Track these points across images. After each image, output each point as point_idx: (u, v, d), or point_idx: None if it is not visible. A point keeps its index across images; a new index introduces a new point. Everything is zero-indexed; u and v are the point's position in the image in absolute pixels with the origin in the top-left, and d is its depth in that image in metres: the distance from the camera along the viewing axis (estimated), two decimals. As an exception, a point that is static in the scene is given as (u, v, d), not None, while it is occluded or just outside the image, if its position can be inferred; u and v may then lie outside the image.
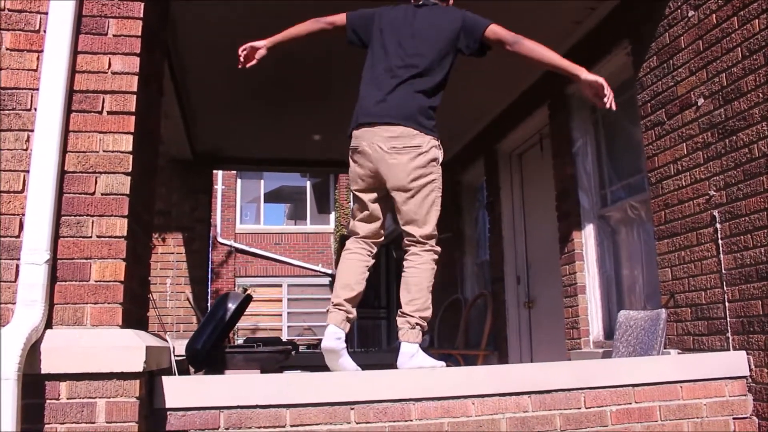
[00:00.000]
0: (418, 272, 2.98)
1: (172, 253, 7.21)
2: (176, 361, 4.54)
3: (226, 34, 4.78)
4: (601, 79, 3.02)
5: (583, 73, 3.03)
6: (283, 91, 5.95)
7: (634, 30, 4.23)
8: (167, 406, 2.39)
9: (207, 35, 4.80)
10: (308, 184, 17.34)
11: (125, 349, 2.20)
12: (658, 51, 3.96)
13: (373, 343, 13.31)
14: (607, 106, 3.02)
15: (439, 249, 3.08)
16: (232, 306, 4.29)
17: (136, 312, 2.67)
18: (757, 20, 3.18)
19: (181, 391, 2.43)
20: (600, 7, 4.60)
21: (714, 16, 3.48)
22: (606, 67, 4.67)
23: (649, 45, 4.04)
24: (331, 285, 16.40)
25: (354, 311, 3.03)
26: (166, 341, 2.79)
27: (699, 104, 3.58)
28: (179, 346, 4.43)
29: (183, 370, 4.38)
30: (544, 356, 5.60)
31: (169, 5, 3.64)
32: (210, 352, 4.15)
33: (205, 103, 6.13)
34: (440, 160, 3.08)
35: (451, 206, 7.49)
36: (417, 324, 2.93)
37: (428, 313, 2.98)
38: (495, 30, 3.11)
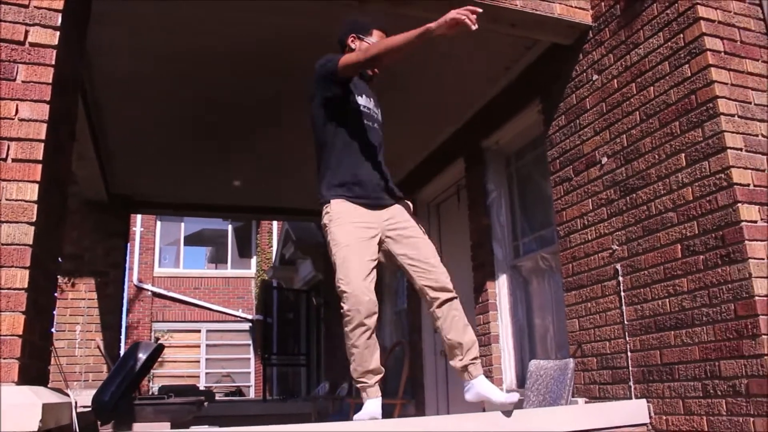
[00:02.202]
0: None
1: (83, 299, 6.93)
2: (82, 413, 4.35)
3: (144, 76, 4.76)
4: (449, 15, 2.70)
5: (433, 25, 2.74)
6: (203, 136, 5.92)
7: (545, 89, 4.44)
8: (65, 465, 2.29)
9: (124, 76, 4.74)
10: (230, 227, 17.09)
11: (19, 408, 2.10)
12: (567, 110, 4.16)
13: (294, 391, 13.10)
14: (473, 26, 2.69)
15: (342, 306, 2.93)
16: (142, 356, 4.16)
17: (35, 366, 2.56)
18: (652, 87, 3.41)
19: (80, 449, 2.34)
20: (515, 66, 4.81)
21: (615, 81, 3.71)
22: (519, 123, 4.88)
23: (558, 104, 4.24)
24: (251, 330, 16.12)
25: None
26: (68, 396, 2.68)
27: (603, 163, 3.77)
28: (87, 397, 4.25)
29: (88, 424, 4.20)
30: (460, 405, 5.64)
31: (86, 47, 3.60)
32: (118, 404, 3.99)
33: (121, 144, 6.01)
34: (330, 219, 3.05)
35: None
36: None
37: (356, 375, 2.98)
38: (344, 64, 3.01)
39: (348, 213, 3.03)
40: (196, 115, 5.46)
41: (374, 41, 3.17)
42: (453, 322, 3.03)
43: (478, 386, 3.02)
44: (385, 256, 3.13)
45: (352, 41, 3.23)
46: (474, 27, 2.68)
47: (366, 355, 2.91)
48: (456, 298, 3.07)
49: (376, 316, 2.90)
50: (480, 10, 2.72)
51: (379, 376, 2.99)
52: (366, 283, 2.89)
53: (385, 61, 3.02)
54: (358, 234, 2.99)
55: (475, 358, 3.05)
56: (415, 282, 3.09)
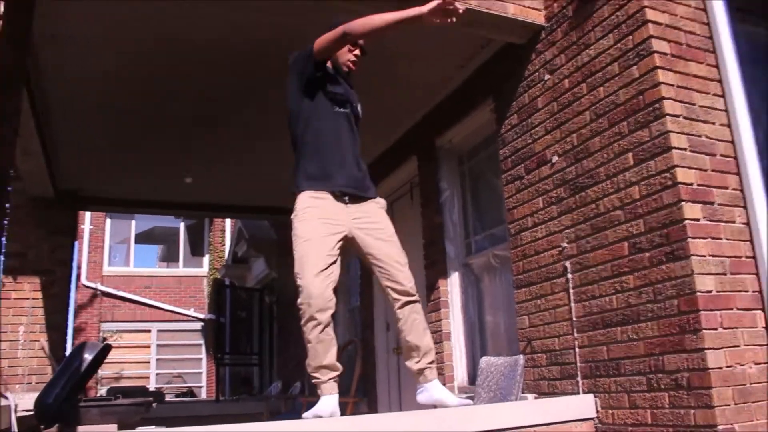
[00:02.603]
0: None
1: (28, 299, 6.72)
2: (24, 416, 4.23)
3: (93, 70, 4.65)
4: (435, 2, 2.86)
5: (424, 9, 2.89)
6: (155, 132, 5.82)
7: (498, 88, 4.48)
8: (3, 468, 2.22)
9: (72, 70, 4.62)
10: (182, 225, 16.82)
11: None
12: (519, 110, 4.21)
13: (245, 391, 12.97)
14: (460, 9, 2.89)
15: (299, 301, 2.95)
16: (88, 356, 4.06)
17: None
18: (602, 87, 3.47)
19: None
20: (469, 65, 4.85)
21: (567, 80, 3.76)
22: (472, 122, 4.92)
23: (511, 103, 4.29)
24: (203, 330, 15.91)
25: None
26: (6, 398, 2.60)
27: (553, 162, 3.83)
28: (30, 401, 4.13)
29: (30, 427, 4.08)
30: (412, 403, 5.64)
31: (31, 38, 3.50)
32: (62, 407, 3.89)
33: (69, 139, 5.85)
34: (296, 213, 3.07)
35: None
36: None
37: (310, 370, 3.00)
38: (319, 43, 3.08)
39: (314, 208, 3.05)
40: (147, 109, 5.36)
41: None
42: (413, 325, 3.09)
43: (432, 390, 3.12)
44: (353, 250, 3.16)
45: None
46: (461, 9, 2.86)
47: (319, 349, 2.92)
48: (418, 301, 3.12)
49: (329, 312, 2.91)
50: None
51: (334, 373, 3.00)
52: (320, 279, 2.90)
53: (365, 38, 3.08)
54: (321, 230, 3.00)
55: (431, 362, 3.14)
56: (379, 281, 3.13)
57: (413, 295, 3.09)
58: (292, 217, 3.08)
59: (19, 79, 3.17)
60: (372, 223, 3.13)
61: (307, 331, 2.91)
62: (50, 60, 4.44)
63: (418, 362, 3.12)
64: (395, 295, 3.09)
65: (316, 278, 2.89)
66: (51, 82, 4.76)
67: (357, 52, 3.28)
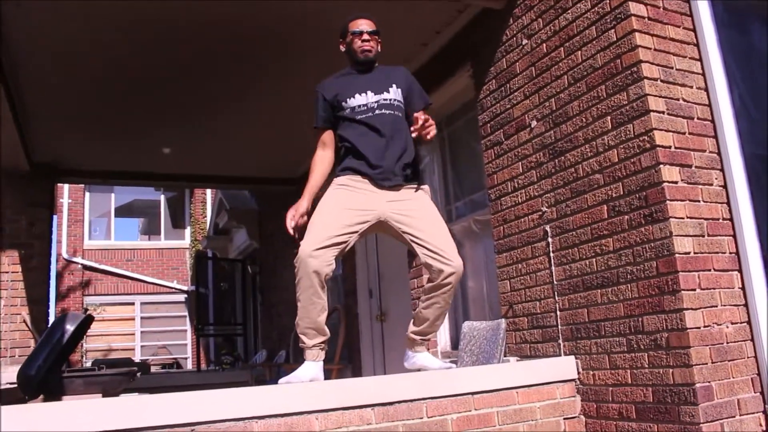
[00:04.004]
0: None
1: (7, 272, 6.68)
2: (7, 389, 4.22)
3: (65, 35, 4.55)
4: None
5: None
6: (132, 100, 5.73)
7: (475, 54, 4.46)
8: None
9: (43, 34, 4.52)
10: (162, 198, 16.71)
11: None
12: (497, 75, 4.19)
13: (227, 360, 13.03)
14: (428, 137, 3.13)
15: (294, 260, 3.06)
16: (70, 327, 4.06)
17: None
18: (580, 51, 3.46)
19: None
20: (446, 30, 4.81)
21: (545, 45, 3.75)
22: (451, 88, 4.89)
23: (489, 69, 4.27)
24: (187, 302, 15.90)
25: None
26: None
27: (532, 126, 3.83)
28: (12, 374, 4.13)
29: (16, 399, 4.08)
30: (396, 368, 5.70)
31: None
32: (46, 378, 3.90)
33: (42, 109, 5.74)
34: (331, 186, 3.27)
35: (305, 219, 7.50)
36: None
37: (299, 330, 3.13)
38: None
39: (346, 188, 3.19)
40: (123, 77, 5.26)
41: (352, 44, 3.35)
42: (433, 306, 3.20)
43: (420, 358, 3.31)
44: (391, 232, 3.25)
45: (341, 45, 3.43)
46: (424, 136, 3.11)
47: (309, 310, 3.04)
48: (449, 285, 3.14)
49: (319, 278, 2.99)
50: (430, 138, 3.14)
51: (318, 339, 3.10)
52: (317, 251, 2.99)
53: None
54: (339, 212, 3.11)
55: (427, 340, 3.35)
56: (420, 259, 3.22)
57: (448, 276, 3.11)
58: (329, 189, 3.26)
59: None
60: (411, 209, 3.21)
61: (299, 291, 3.02)
62: (15, 25, 4.32)
63: (416, 334, 3.30)
64: (431, 274, 3.17)
65: (312, 247, 2.99)
66: (21, 49, 4.65)
67: (365, 36, 3.32)
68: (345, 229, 3.09)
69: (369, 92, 3.29)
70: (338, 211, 3.12)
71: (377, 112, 3.25)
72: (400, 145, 3.25)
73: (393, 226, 3.19)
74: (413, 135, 3.11)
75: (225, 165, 8.00)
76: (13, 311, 6.58)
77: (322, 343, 3.11)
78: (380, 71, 3.40)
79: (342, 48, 3.42)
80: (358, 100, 3.27)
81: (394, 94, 3.31)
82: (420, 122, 3.05)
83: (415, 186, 3.29)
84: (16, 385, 3.90)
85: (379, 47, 3.39)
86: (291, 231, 3.20)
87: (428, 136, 3.12)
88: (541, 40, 3.77)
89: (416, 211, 3.22)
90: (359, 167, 3.20)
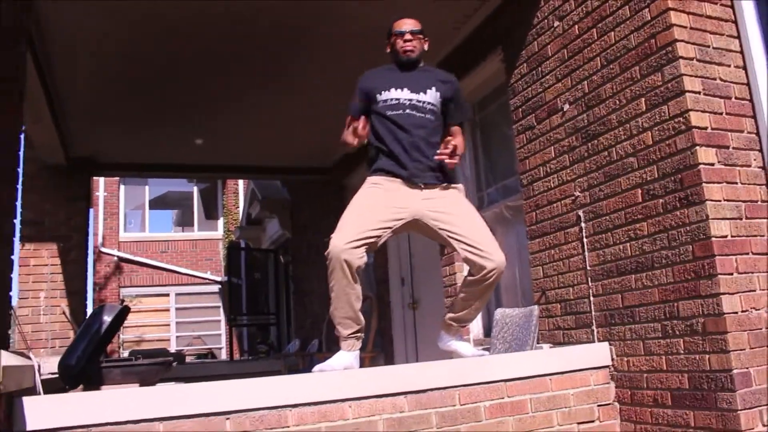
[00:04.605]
0: None
1: (46, 265, 6.82)
2: (49, 379, 4.32)
3: (99, 30, 4.61)
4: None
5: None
6: (165, 94, 5.79)
7: (507, 38, 4.40)
8: (28, 428, 2.26)
9: (78, 31, 4.58)
10: (195, 189, 16.89)
11: (-24, 369, 2.06)
12: (528, 58, 4.14)
13: (262, 350, 13.16)
14: (450, 167, 3.20)
15: (326, 252, 3.05)
16: (107, 318, 4.12)
17: (-7, 329, 2.51)
18: (613, 32, 3.40)
19: (43, 411, 2.31)
20: (475, 15, 4.76)
21: (576, 26, 3.69)
22: (482, 73, 4.86)
23: (520, 52, 4.22)
24: (220, 292, 16.08)
25: None
26: (30, 359, 2.64)
27: (565, 110, 3.77)
28: (53, 364, 4.21)
29: (57, 389, 4.17)
30: (429, 356, 5.71)
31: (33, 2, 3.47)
32: (85, 368, 3.96)
33: (79, 106, 5.86)
34: (364, 186, 3.27)
35: (337, 208, 7.52)
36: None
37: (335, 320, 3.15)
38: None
39: (379, 186, 3.19)
40: (156, 71, 5.32)
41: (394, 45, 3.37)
42: (471, 295, 3.23)
43: (455, 344, 3.38)
44: (428, 231, 3.25)
45: (387, 47, 3.43)
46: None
47: (342, 301, 3.05)
48: (490, 279, 3.14)
49: (350, 269, 2.98)
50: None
51: (354, 328, 3.13)
52: (348, 244, 2.97)
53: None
54: (374, 209, 3.11)
55: (463, 326, 3.47)
56: (460, 254, 3.22)
57: (490, 272, 3.11)
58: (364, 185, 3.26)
59: (19, 39, 3.14)
60: (447, 205, 3.21)
61: (331, 281, 3.02)
62: (51, 23, 4.38)
63: (452, 320, 3.35)
64: (472, 269, 3.17)
65: (344, 239, 2.98)
66: (56, 47, 4.72)
67: (407, 36, 3.33)
68: (378, 224, 3.08)
69: (406, 89, 3.27)
70: (372, 206, 3.12)
71: (408, 111, 3.23)
72: (432, 147, 3.23)
73: (429, 224, 3.18)
74: (435, 158, 3.13)
75: (257, 155, 8.05)
76: (53, 303, 6.72)
77: (357, 332, 3.12)
78: (425, 71, 3.41)
79: (388, 49, 3.42)
80: (393, 93, 3.26)
81: (432, 97, 3.29)
82: (448, 149, 3.08)
83: (449, 185, 3.28)
84: (57, 375, 3.98)
85: (425, 46, 3.40)
86: (353, 136, 3.20)
87: (450, 166, 3.16)
88: (573, 22, 3.71)
89: (452, 207, 3.21)
90: (391, 168, 3.19)
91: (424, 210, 3.16)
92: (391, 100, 3.26)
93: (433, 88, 3.30)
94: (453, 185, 3.30)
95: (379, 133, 3.27)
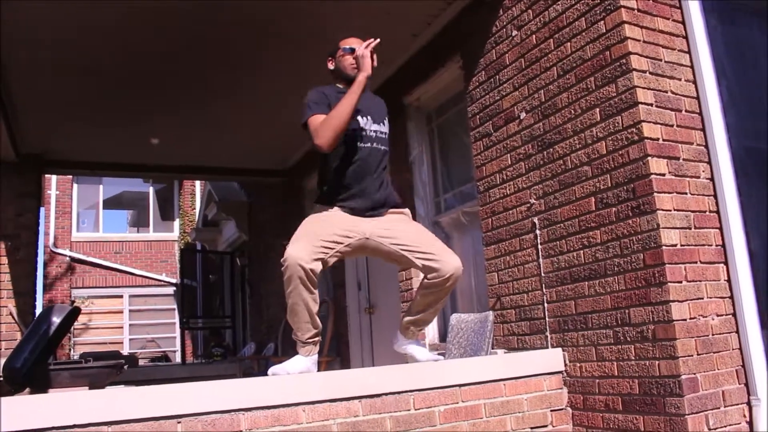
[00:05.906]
0: None
1: (-7, 264, 6.63)
2: (-7, 382, 4.18)
3: (51, 24, 4.50)
4: (359, 51, 3.11)
5: (364, 72, 3.08)
6: (121, 91, 5.68)
7: (466, 45, 4.44)
8: (-34, 432, 2.20)
9: (29, 24, 4.46)
10: (151, 189, 16.61)
11: None
12: (487, 66, 4.18)
13: (215, 353, 13.02)
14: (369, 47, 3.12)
15: (281, 260, 3.01)
16: (56, 319, 4.02)
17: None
18: (569, 43, 3.46)
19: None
20: (436, 21, 4.79)
21: (534, 36, 3.74)
22: (440, 80, 4.90)
23: (479, 60, 4.26)
24: (176, 294, 15.84)
25: None
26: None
27: (521, 118, 3.82)
28: (-2, 366, 4.09)
29: (1, 392, 4.05)
30: (385, 361, 5.71)
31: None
32: (32, 370, 3.86)
33: (29, 100, 5.69)
34: (320, 209, 3.23)
35: (294, 211, 7.49)
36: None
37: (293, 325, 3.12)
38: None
39: (331, 214, 3.17)
40: (112, 67, 5.22)
41: (342, 62, 3.28)
42: (428, 299, 3.22)
43: (410, 347, 3.37)
44: (382, 250, 3.21)
45: (330, 63, 3.38)
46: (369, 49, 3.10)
47: (300, 306, 2.99)
48: (449, 285, 3.16)
49: (308, 276, 2.93)
50: (378, 41, 3.10)
51: (310, 333, 3.08)
52: (305, 252, 2.93)
53: (337, 136, 3.06)
54: (327, 225, 3.09)
55: (419, 329, 3.43)
56: (414, 265, 3.22)
57: (447, 277, 3.11)
58: (314, 211, 3.24)
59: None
60: (395, 223, 3.23)
61: (290, 288, 2.95)
62: (3, 16, 4.26)
63: (410, 323, 3.34)
64: (429, 276, 3.14)
65: (301, 250, 2.94)
66: (6, 40, 4.59)
67: (352, 54, 3.22)
68: (332, 237, 3.06)
69: (368, 117, 3.24)
70: (325, 222, 3.12)
71: (374, 145, 3.22)
72: (385, 180, 3.27)
73: (380, 242, 3.17)
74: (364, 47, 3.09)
75: (214, 156, 7.96)
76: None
77: (315, 336, 3.09)
78: (373, 97, 3.39)
79: (330, 65, 3.36)
80: (360, 122, 3.20)
81: (386, 127, 3.32)
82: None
83: (396, 210, 3.31)
84: (1, 378, 3.87)
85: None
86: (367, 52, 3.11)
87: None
88: (531, 32, 3.76)
89: (399, 224, 3.23)
90: (346, 203, 3.18)
91: (372, 229, 3.16)
92: (359, 130, 3.19)
93: (386, 118, 3.35)
94: (400, 210, 3.33)
95: (338, 167, 3.19)
